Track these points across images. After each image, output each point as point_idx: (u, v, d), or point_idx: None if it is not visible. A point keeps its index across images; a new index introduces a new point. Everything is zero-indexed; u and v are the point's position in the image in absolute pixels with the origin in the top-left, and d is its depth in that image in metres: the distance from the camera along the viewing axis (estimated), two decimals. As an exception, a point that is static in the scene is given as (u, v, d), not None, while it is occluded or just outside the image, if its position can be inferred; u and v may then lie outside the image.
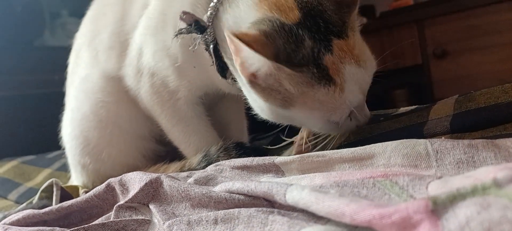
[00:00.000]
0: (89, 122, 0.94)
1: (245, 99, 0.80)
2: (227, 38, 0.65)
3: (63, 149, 1.05)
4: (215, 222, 0.51)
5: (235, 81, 0.79)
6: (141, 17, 0.87)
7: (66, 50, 1.06)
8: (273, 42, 0.64)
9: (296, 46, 0.65)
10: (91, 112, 0.94)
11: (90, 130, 0.94)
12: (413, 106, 0.91)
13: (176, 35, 0.76)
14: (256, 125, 1.04)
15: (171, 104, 0.87)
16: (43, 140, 1.37)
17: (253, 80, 0.68)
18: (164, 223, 0.56)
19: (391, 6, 2.21)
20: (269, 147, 0.81)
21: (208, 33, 0.76)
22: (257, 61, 0.64)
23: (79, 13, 1.05)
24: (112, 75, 0.92)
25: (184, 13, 0.74)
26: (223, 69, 0.78)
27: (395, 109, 0.94)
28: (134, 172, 0.69)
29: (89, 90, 0.94)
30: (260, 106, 0.73)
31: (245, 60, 0.66)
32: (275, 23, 0.66)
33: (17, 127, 1.81)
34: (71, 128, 0.98)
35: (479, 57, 1.87)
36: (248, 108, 1.02)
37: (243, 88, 0.77)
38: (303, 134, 0.79)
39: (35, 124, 1.77)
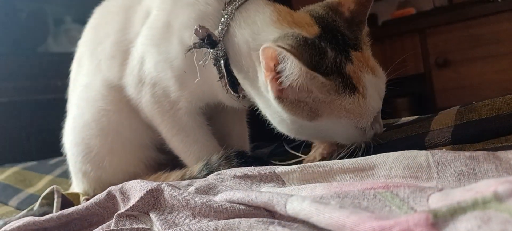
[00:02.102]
0: (91, 130, 0.94)
1: (256, 109, 0.80)
2: (261, 52, 0.66)
3: (65, 156, 1.05)
4: (216, 231, 0.51)
5: (240, 97, 0.80)
6: (143, 27, 0.88)
7: (69, 57, 1.06)
8: (302, 55, 0.66)
9: (320, 58, 0.68)
10: (93, 120, 0.94)
11: (91, 138, 0.94)
12: (415, 116, 0.91)
13: (189, 49, 0.76)
14: (257, 133, 1.04)
15: (172, 114, 0.87)
16: (45, 146, 1.38)
17: (281, 95, 0.69)
18: (164, 232, 0.56)
19: (394, 15, 2.21)
20: (278, 163, 0.80)
21: (219, 48, 0.77)
22: (295, 71, 0.65)
23: (83, 20, 1.05)
24: (114, 84, 0.92)
25: (200, 27, 0.75)
26: (234, 84, 0.79)
27: (396, 119, 0.94)
28: (135, 180, 0.69)
29: (90, 99, 0.94)
30: (282, 120, 0.74)
31: (281, 73, 0.66)
32: (298, 37, 0.68)
33: (19, 132, 1.82)
34: (73, 135, 0.98)
35: (480, 66, 1.87)
36: (250, 117, 1.03)
37: (258, 103, 0.78)
38: (315, 154, 0.79)
39: (37, 130, 1.78)
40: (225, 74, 0.78)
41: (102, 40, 0.94)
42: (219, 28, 0.77)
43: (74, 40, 1.07)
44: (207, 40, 0.75)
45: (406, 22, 2.08)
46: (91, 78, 0.96)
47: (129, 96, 0.91)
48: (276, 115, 0.74)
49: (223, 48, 0.77)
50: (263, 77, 0.71)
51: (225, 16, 0.77)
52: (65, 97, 1.06)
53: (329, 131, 0.72)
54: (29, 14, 2.03)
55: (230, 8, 0.77)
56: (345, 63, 0.69)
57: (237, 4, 0.77)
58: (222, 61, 0.77)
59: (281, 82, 0.67)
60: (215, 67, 0.79)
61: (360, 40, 0.73)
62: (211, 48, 0.76)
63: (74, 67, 1.03)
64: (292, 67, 0.65)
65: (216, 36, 0.76)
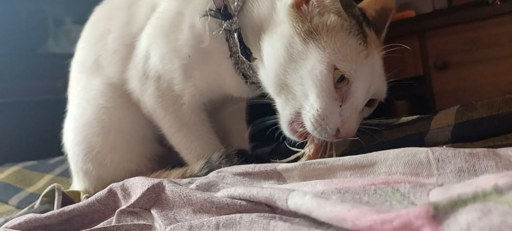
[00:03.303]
0: (92, 128, 0.94)
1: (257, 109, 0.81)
2: None
3: (65, 155, 1.05)
4: (217, 227, 0.51)
5: (248, 81, 0.82)
6: (148, 20, 0.88)
7: (69, 58, 1.06)
8: None
9: (350, 6, 0.75)
10: (94, 119, 0.94)
11: (93, 136, 0.94)
12: (415, 116, 0.91)
13: (204, 15, 0.79)
14: (257, 133, 1.04)
15: (175, 109, 0.88)
16: (45, 145, 1.38)
17: (298, 4, 0.73)
18: (165, 228, 0.56)
19: (393, 18, 2.21)
20: (278, 161, 0.80)
21: (234, 21, 0.79)
22: None
23: (83, 21, 1.06)
24: (114, 80, 0.93)
25: None
26: (247, 54, 0.80)
27: (396, 119, 0.94)
28: (136, 177, 0.69)
29: (90, 97, 0.95)
30: (275, 52, 0.74)
31: None
32: None
33: (20, 132, 1.82)
34: (74, 135, 0.98)
35: (480, 69, 1.88)
36: (250, 117, 1.03)
37: (265, 56, 0.77)
38: (305, 149, 0.79)
39: (37, 130, 1.78)
40: (238, 43, 0.79)
41: (103, 36, 0.95)
42: (235, 4, 0.80)
43: (74, 41, 1.07)
44: (223, 11, 0.78)
45: (406, 24, 2.08)
46: (90, 75, 0.96)
47: (130, 90, 0.91)
48: (273, 49, 0.75)
49: (237, 22, 0.79)
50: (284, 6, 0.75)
51: None
52: (65, 97, 1.06)
53: (307, 65, 0.70)
54: (29, 15, 2.03)
55: None
56: (366, 26, 0.74)
57: None
58: (235, 35, 0.79)
59: None
60: (227, 43, 0.81)
61: (380, 36, 0.79)
62: (225, 20, 0.79)
63: (74, 66, 1.04)
64: None
65: (232, 10, 0.79)
